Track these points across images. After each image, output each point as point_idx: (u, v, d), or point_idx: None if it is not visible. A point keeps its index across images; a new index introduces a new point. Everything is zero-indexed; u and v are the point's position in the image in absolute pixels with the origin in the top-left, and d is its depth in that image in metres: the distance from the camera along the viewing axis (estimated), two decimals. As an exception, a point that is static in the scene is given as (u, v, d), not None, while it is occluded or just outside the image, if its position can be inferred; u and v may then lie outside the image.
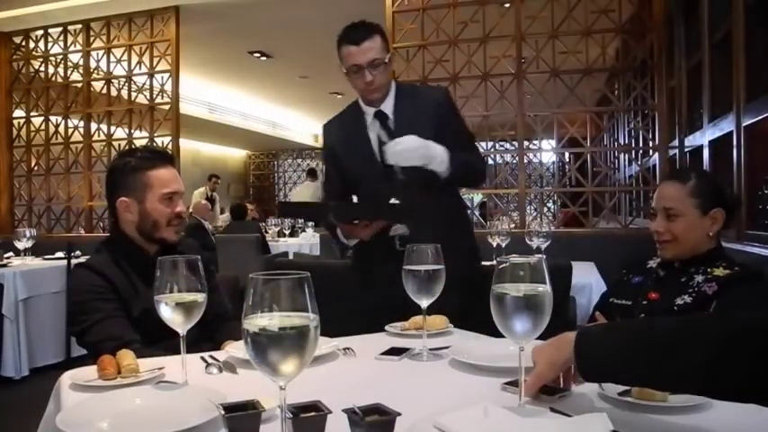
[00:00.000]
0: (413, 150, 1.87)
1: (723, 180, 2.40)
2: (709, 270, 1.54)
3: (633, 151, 5.22)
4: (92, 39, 5.71)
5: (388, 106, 2.03)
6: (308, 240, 6.83)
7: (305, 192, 9.86)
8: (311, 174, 10.72)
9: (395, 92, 2.04)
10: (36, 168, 5.95)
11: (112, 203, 1.71)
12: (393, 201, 1.93)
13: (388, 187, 1.99)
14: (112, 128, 5.72)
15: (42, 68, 5.93)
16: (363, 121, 2.06)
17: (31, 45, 5.93)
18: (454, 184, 2.10)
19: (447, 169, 1.92)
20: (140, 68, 5.56)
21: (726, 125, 3.14)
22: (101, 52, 5.69)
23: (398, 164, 1.90)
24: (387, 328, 1.61)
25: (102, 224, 5.83)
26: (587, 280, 2.94)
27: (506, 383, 1.10)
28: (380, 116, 2.03)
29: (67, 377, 1.20)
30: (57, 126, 5.88)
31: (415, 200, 1.93)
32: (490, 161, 5.60)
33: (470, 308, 1.49)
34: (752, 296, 1.46)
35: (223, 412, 0.87)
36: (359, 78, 1.96)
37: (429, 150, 1.89)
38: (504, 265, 0.94)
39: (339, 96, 10.10)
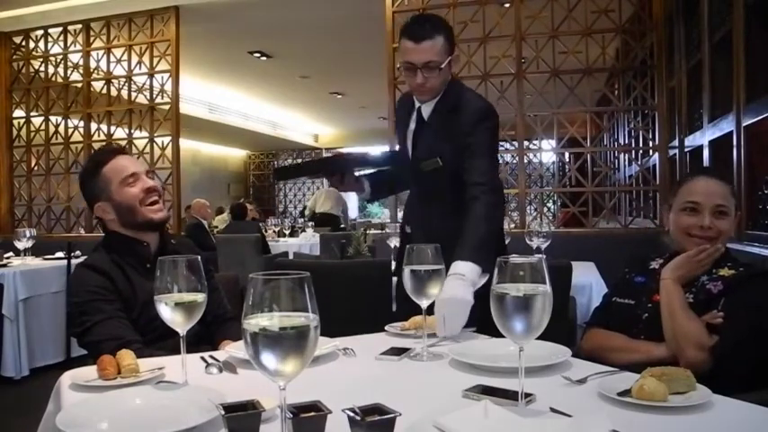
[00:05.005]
0: (453, 312, 1.50)
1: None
2: (714, 271, 1.54)
3: (633, 151, 5.22)
4: (92, 39, 5.70)
5: (427, 109, 1.93)
6: (308, 240, 6.82)
7: (325, 198, 9.30)
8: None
9: (442, 95, 1.90)
10: (36, 168, 5.95)
11: (93, 213, 1.76)
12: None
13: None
14: (112, 128, 5.72)
15: (42, 68, 5.92)
16: (411, 109, 2.00)
17: (31, 45, 5.92)
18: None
19: (486, 267, 1.59)
20: (140, 68, 5.55)
21: (726, 125, 3.14)
22: (101, 52, 5.68)
23: (455, 333, 1.51)
24: (387, 328, 1.61)
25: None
26: (587, 280, 2.93)
27: (467, 390, 1.07)
28: (419, 116, 1.96)
29: (67, 377, 1.20)
30: (57, 126, 5.87)
31: (429, 203, 1.99)
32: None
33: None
34: (760, 295, 1.45)
35: (223, 412, 0.87)
36: (411, 77, 1.84)
37: (460, 288, 1.53)
38: (504, 265, 0.94)
39: (339, 96, 10.10)
